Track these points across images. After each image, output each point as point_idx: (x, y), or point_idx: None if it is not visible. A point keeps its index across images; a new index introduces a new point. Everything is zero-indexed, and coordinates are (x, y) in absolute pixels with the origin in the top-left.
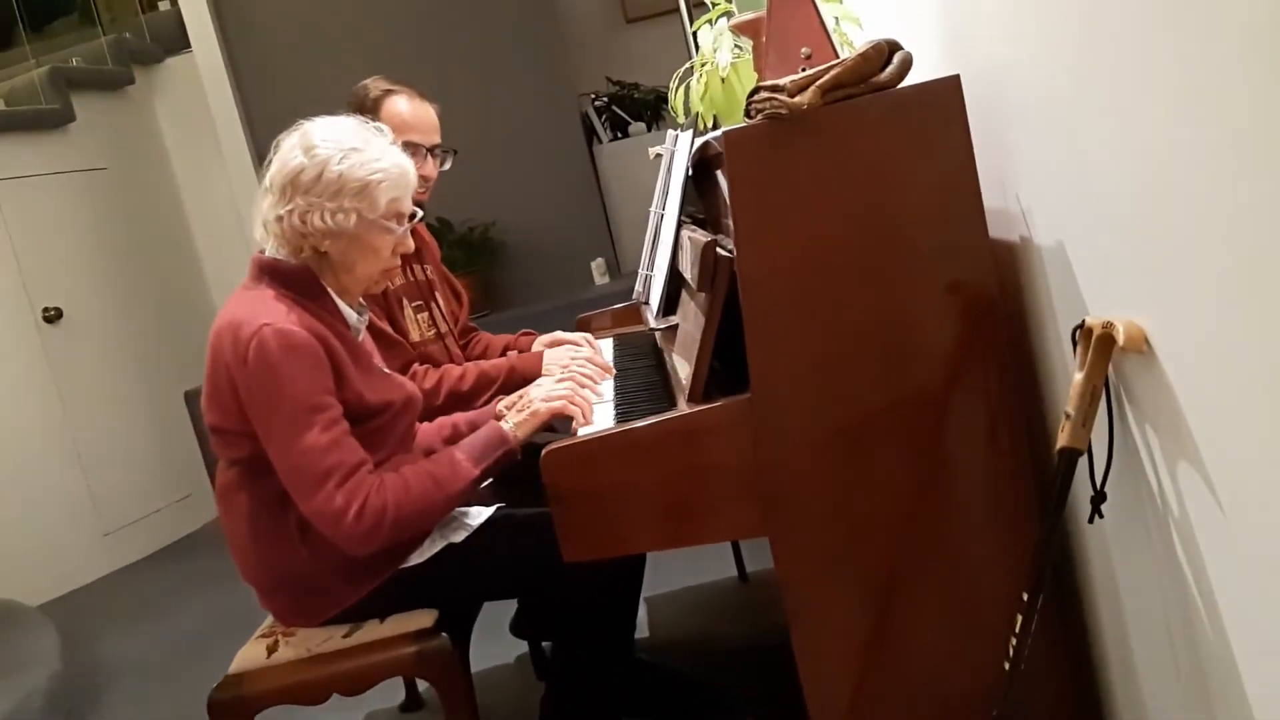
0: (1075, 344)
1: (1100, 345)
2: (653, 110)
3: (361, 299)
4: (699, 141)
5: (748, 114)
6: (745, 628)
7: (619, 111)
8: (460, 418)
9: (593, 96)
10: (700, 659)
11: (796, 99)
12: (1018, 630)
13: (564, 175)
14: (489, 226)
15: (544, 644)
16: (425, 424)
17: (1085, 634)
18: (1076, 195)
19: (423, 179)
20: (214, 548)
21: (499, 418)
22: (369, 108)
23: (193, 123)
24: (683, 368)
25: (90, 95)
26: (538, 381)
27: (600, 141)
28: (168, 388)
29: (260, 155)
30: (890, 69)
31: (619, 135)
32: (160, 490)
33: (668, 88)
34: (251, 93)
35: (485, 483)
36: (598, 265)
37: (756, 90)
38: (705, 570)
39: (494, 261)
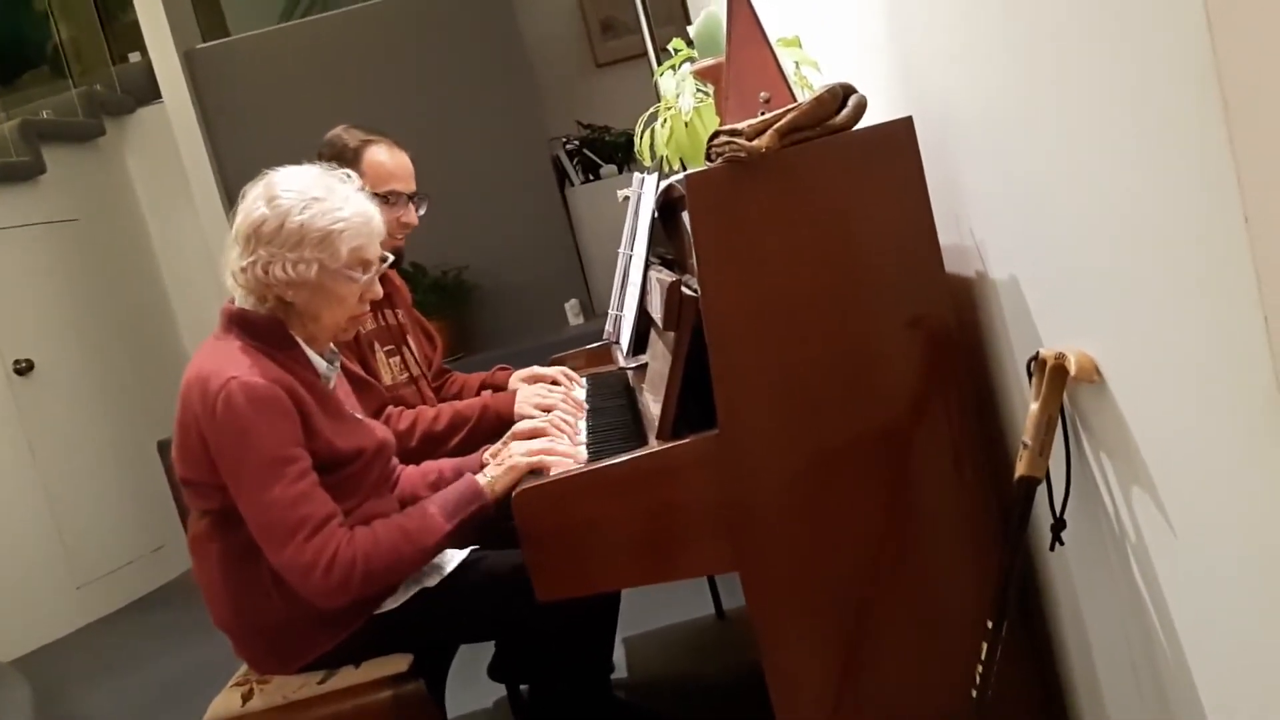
0: (1030, 375)
1: (1053, 376)
2: (624, 152)
3: (333, 346)
4: (663, 184)
5: (708, 157)
6: (723, 665)
7: (590, 154)
8: (446, 464)
9: (564, 140)
10: (679, 698)
11: (755, 142)
12: (983, 658)
13: (536, 218)
14: (462, 270)
15: (522, 687)
16: (411, 468)
17: (1052, 659)
18: (1026, 229)
19: (405, 226)
20: (188, 599)
21: (484, 466)
22: (349, 158)
23: (164, 173)
24: (653, 406)
25: (61, 147)
26: (514, 429)
27: (572, 184)
28: (140, 439)
29: (232, 205)
30: (845, 112)
31: (590, 177)
32: (133, 542)
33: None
34: (223, 142)
35: (461, 537)
36: (572, 306)
37: (716, 134)
38: (682, 608)
39: (468, 305)
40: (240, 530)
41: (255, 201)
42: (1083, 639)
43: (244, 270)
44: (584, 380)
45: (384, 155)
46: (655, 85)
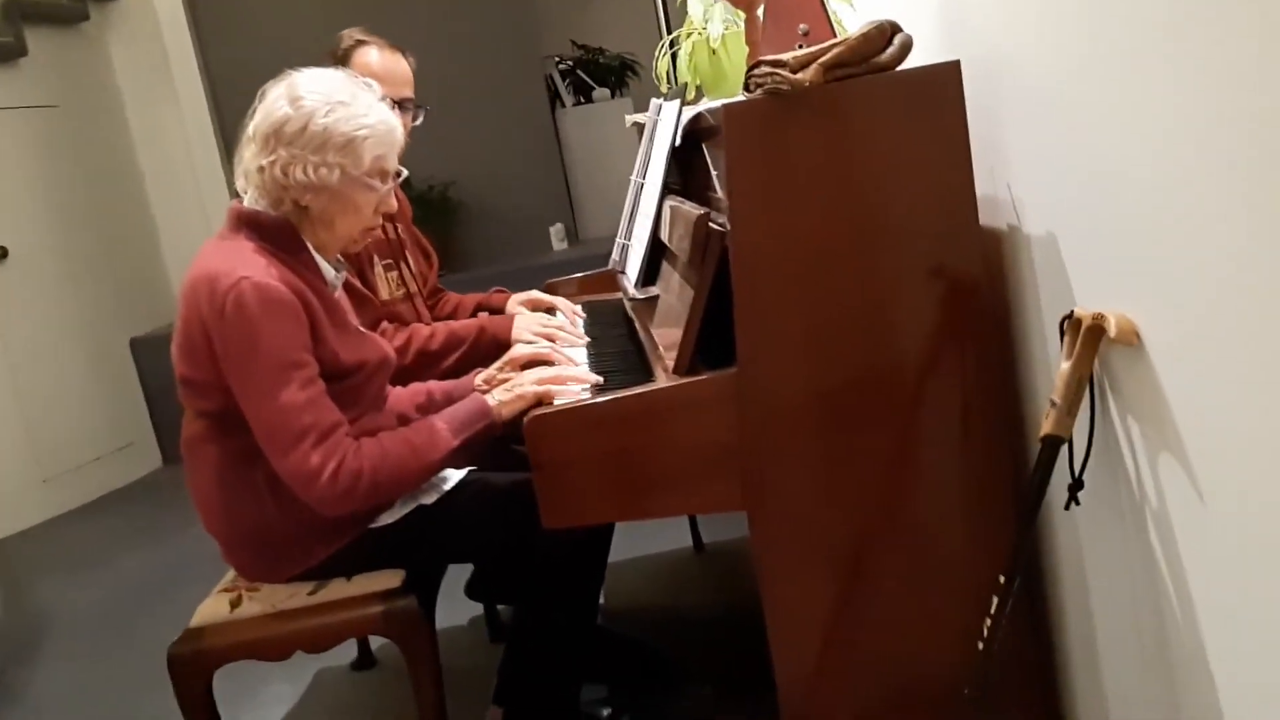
0: (1063, 334)
1: (1089, 336)
2: (617, 77)
3: (339, 256)
4: (690, 112)
5: (747, 87)
6: (701, 597)
7: (584, 76)
8: (435, 386)
9: (557, 60)
10: (656, 627)
11: (799, 75)
12: (993, 611)
13: (526, 138)
14: (448, 186)
15: (499, 607)
16: (399, 388)
17: (1047, 616)
18: (1070, 187)
19: None
20: (155, 498)
21: (475, 389)
22: (340, 58)
23: (147, 63)
24: (665, 340)
25: (44, 29)
26: (512, 353)
27: (563, 106)
28: (113, 334)
29: (216, 100)
30: (891, 50)
31: (582, 100)
32: (102, 437)
33: (633, 54)
34: (209, 35)
35: (464, 456)
36: (556, 231)
37: (757, 64)
38: (661, 539)
39: (451, 221)
40: (238, 434)
41: (277, 101)
42: (1084, 600)
43: (261, 170)
44: (583, 312)
45: (373, 57)
46: (655, 9)
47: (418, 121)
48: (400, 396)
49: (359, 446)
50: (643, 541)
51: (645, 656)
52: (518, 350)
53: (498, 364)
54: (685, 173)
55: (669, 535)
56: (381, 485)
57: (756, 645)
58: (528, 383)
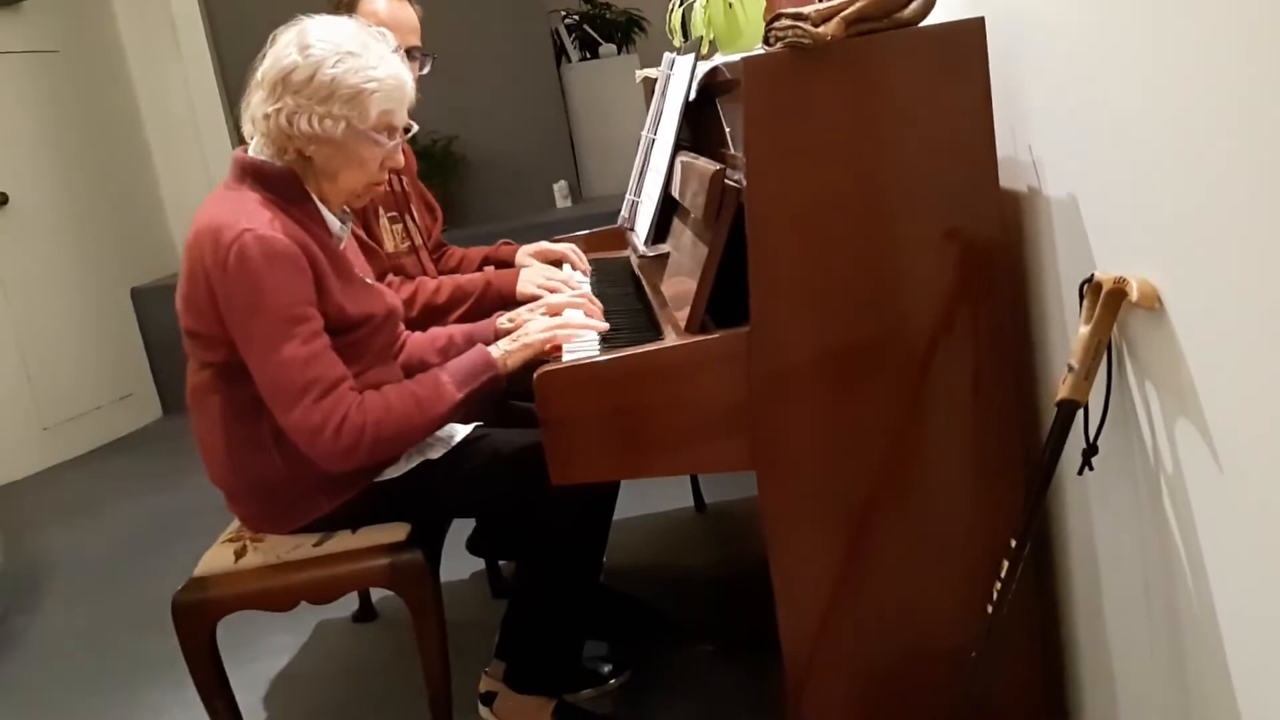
0: (1082, 298)
1: (1110, 300)
2: (624, 33)
3: (345, 207)
4: (705, 67)
5: (766, 41)
6: (703, 557)
7: (590, 31)
8: (457, 330)
9: (563, 14)
10: (658, 586)
11: (820, 29)
12: (1003, 575)
13: (530, 93)
14: (452, 141)
15: (500, 562)
16: (418, 334)
17: (1056, 581)
18: (1092, 148)
19: None
20: (155, 448)
21: (498, 332)
22: (346, 5)
23: (149, 8)
24: (675, 297)
25: None
26: (546, 300)
27: (569, 61)
28: (114, 284)
29: (219, 48)
30: (914, 5)
31: (588, 55)
32: (102, 387)
33: (640, 10)
34: None
35: (471, 409)
36: (560, 188)
37: (778, 17)
38: (663, 499)
39: (454, 177)
40: (243, 385)
41: (287, 47)
42: (1093, 566)
43: (266, 118)
44: (587, 262)
45: (380, 5)
46: None
47: (425, 70)
48: (420, 342)
49: (362, 401)
50: (645, 501)
51: (646, 614)
52: (557, 298)
53: (528, 307)
54: (696, 130)
55: (671, 495)
56: (385, 440)
57: (757, 605)
58: (534, 332)
